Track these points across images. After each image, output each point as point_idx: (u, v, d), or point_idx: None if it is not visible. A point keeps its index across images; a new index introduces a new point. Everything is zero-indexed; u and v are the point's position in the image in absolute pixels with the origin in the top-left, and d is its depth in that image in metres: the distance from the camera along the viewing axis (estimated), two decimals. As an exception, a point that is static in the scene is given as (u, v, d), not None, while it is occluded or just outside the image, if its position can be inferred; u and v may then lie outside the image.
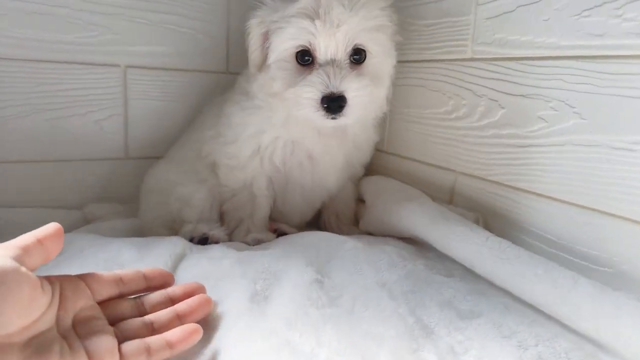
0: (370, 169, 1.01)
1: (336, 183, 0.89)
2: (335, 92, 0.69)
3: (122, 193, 0.98)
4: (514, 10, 0.70)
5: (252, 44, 0.77)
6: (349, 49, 0.72)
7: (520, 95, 0.70)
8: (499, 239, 0.67)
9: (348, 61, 0.73)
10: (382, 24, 0.74)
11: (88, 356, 0.39)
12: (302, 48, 0.73)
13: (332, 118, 0.71)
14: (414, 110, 0.92)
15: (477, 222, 0.76)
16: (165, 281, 0.53)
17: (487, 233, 0.68)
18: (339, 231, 0.93)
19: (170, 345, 0.44)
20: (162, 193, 0.87)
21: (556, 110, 0.65)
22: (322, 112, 0.71)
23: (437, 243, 0.72)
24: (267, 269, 0.64)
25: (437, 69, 0.85)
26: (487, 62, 0.75)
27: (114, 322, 0.45)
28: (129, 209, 0.94)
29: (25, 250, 0.39)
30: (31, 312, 0.37)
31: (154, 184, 0.90)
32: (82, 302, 0.43)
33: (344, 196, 0.95)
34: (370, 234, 0.88)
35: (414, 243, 0.79)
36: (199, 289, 0.53)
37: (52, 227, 0.43)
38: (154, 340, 0.44)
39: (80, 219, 0.91)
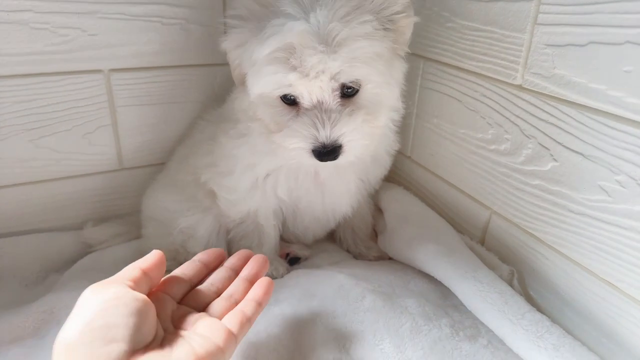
0: (390, 175, 0.91)
1: (351, 207, 0.81)
2: (326, 142, 0.60)
3: (122, 206, 0.91)
4: (584, 46, 0.55)
5: (231, 63, 0.68)
6: (337, 90, 0.60)
7: (579, 153, 0.58)
8: (537, 316, 0.61)
9: (338, 100, 0.60)
10: (373, 50, 0.58)
11: (202, 340, 0.43)
12: (283, 93, 0.61)
13: (327, 161, 0.62)
14: (446, 125, 0.79)
15: (511, 276, 0.68)
16: (220, 258, 0.57)
17: (524, 306, 0.62)
18: (355, 247, 0.87)
19: (258, 302, 0.50)
20: (163, 223, 0.80)
21: (624, 187, 0.54)
22: (314, 160, 0.62)
23: (465, 302, 0.66)
24: (280, 342, 0.60)
25: (477, 86, 0.71)
26: (541, 98, 0.62)
27: (201, 309, 0.49)
28: (130, 228, 0.88)
29: (136, 282, 0.43)
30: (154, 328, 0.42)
31: (153, 213, 0.82)
32: (169, 307, 0.47)
33: (359, 212, 0.87)
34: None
35: (437, 283, 0.73)
36: (248, 253, 0.58)
37: (153, 256, 0.48)
38: (243, 305, 0.50)
39: (81, 244, 0.85)
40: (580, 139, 0.57)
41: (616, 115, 0.53)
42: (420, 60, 0.82)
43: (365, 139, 0.63)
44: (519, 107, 0.65)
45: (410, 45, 0.83)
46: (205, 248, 0.78)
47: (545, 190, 0.63)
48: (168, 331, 0.44)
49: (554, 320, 0.61)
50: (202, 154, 0.79)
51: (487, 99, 0.70)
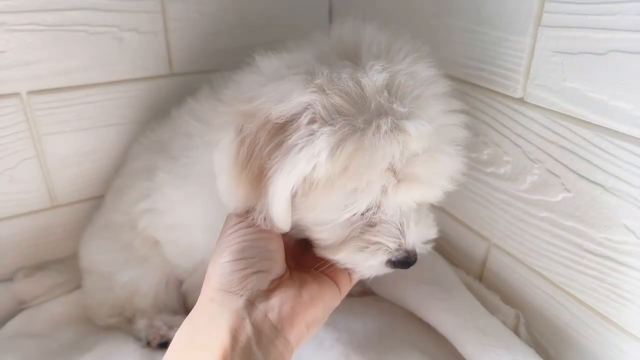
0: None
1: None
2: (410, 250, 0.46)
3: (58, 249, 0.78)
4: (604, 54, 0.44)
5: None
6: None
7: (599, 185, 0.48)
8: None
9: None
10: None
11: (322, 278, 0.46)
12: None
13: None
14: (430, 139, 0.68)
15: (517, 322, 0.59)
16: None
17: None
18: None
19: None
20: (103, 277, 0.68)
21: (657, 230, 0.44)
22: (386, 269, 0.47)
23: (467, 356, 0.56)
24: None
25: (468, 97, 0.60)
26: (548, 115, 0.51)
27: None
28: (69, 275, 0.75)
29: None
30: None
31: (90, 264, 0.70)
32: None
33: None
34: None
35: (431, 328, 0.63)
36: None
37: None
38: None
39: (12, 299, 0.72)
40: (600, 168, 0.47)
41: (647, 142, 0.43)
42: (399, 65, 0.70)
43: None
44: (521, 124, 0.54)
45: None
46: (154, 303, 0.68)
47: (556, 225, 0.53)
48: (291, 266, 0.46)
49: (570, 376, 0.52)
50: (137, 195, 0.65)
51: (481, 113, 0.59)
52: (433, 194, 0.46)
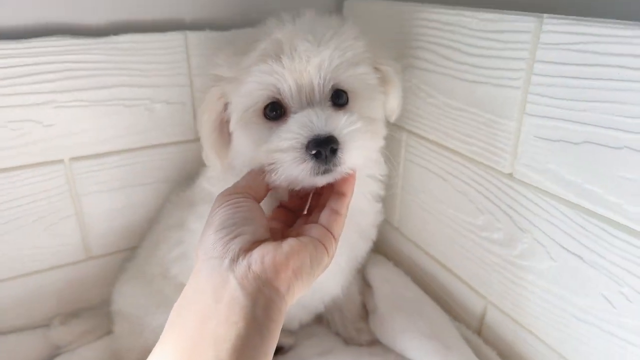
0: (378, 245, 0.86)
1: (340, 287, 0.74)
2: (322, 133, 0.50)
3: (91, 296, 0.85)
4: (578, 144, 0.50)
5: (204, 122, 0.61)
6: (327, 89, 0.55)
7: (578, 257, 0.53)
8: None
9: (330, 103, 0.56)
10: (360, 57, 0.57)
11: (304, 237, 0.47)
12: (270, 100, 0.55)
13: (324, 172, 0.51)
14: (433, 203, 0.74)
15: (512, 376, 0.63)
16: None
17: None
18: (345, 330, 0.81)
19: (341, 193, 0.53)
20: (134, 321, 0.74)
21: (630, 302, 0.49)
22: (310, 165, 0.51)
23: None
24: None
25: (463, 167, 0.66)
26: (533, 191, 0.57)
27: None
28: (100, 321, 0.81)
29: (252, 193, 0.51)
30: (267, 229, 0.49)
31: (122, 308, 0.77)
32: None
33: (348, 290, 0.81)
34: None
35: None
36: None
37: (255, 174, 0.53)
38: (329, 203, 0.52)
39: (48, 344, 0.78)
40: (579, 242, 0.52)
41: (616, 222, 0.48)
42: (403, 133, 0.77)
43: (366, 145, 0.54)
44: (511, 197, 0.60)
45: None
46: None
47: (544, 290, 0.58)
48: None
49: None
50: (170, 245, 0.72)
51: (475, 184, 0.65)
52: (317, 72, 0.54)
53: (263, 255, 0.43)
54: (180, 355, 0.37)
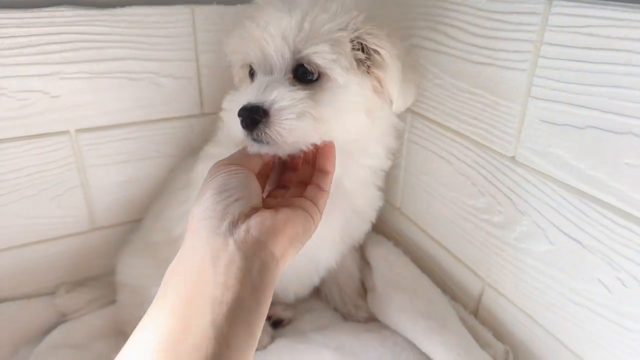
0: (379, 225, 0.86)
1: (334, 259, 0.75)
2: (251, 102, 0.51)
3: (96, 266, 0.86)
4: (582, 129, 0.50)
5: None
6: (287, 61, 0.54)
7: (577, 241, 0.53)
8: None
9: (290, 76, 0.55)
10: (339, 33, 0.54)
11: (293, 207, 0.48)
12: (246, 63, 0.59)
13: (255, 140, 0.52)
14: (435, 185, 0.74)
15: (505, 357, 0.64)
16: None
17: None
18: (343, 306, 0.83)
19: (324, 170, 0.53)
20: (137, 292, 0.75)
21: (626, 287, 0.49)
22: (241, 129, 0.53)
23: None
24: None
25: (467, 150, 0.66)
26: (535, 175, 0.57)
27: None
28: (105, 291, 0.83)
29: (246, 164, 0.50)
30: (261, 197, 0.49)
31: (126, 279, 0.78)
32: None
33: (345, 266, 0.82)
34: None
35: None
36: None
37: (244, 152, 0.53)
38: (315, 178, 0.53)
39: (53, 311, 0.80)
40: (578, 226, 0.53)
41: (617, 209, 0.48)
42: (408, 113, 0.77)
43: (297, 126, 0.52)
44: (513, 180, 0.60)
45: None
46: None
47: (541, 272, 0.58)
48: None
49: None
50: (176, 204, 0.73)
51: (479, 166, 0.65)
52: (274, 40, 0.53)
53: (263, 221, 0.43)
54: (177, 318, 0.37)
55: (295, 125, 0.51)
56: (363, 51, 0.56)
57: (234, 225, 0.42)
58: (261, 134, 0.51)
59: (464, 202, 0.69)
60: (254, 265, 0.41)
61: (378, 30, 0.56)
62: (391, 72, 0.56)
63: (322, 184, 0.53)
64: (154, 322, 0.38)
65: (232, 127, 0.54)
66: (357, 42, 0.55)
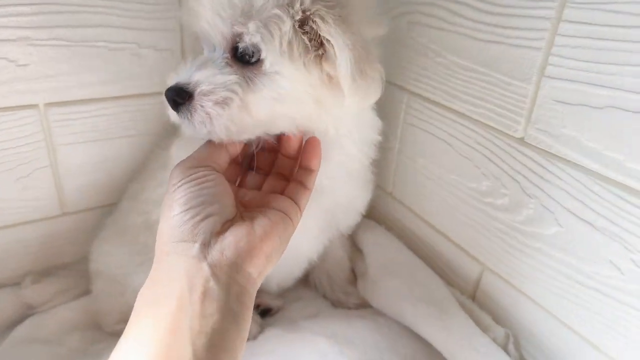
0: (369, 211, 0.84)
1: (314, 250, 0.71)
2: (181, 81, 0.48)
3: (66, 254, 0.80)
4: (601, 109, 0.49)
5: None
6: (226, 35, 0.48)
7: (588, 223, 0.53)
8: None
9: (228, 55, 0.49)
10: (268, 12, 0.46)
11: (272, 212, 0.45)
12: (195, 36, 0.53)
13: (184, 120, 0.48)
14: (433, 167, 0.73)
15: (506, 340, 0.64)
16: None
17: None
18: (332, 293, 0.80)
19: (309, 168, 0.51)
20: (114, 281, 0.70)
21: (639, 267, 0.49)
22: (169, 110, 0.50)
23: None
24: None
25: (470, 131, 0.65)
26: (546, 156, 0.56)
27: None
28: (76, 280, 0.77)
29: (217, 164, 0.47)
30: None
31: (102, 267, 0.72)
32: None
33: (334, 254, 0.79)
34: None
35: (425, 341, 0.67)
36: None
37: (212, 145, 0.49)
38: (297, 175, 0.51)
39: (20, 303, 0.73)
40: (591, 208, 0.52)
41: (635, 190, 0.48)
42: (404, 94, 0.74)
43: (223, 115, 0.47)
44: (520, 162, 0.59)
45: (393, 75, 0.76)
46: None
47: (548, 256, 0.58)
48: (240, 210, 0.46)
49: (554, 393, 0.57)
50: (155, 185, 0.68)
51: (482, 148, 0.63)
52: (207, 15, 0.48)
53: (237, 241, 0.41)
54: (156, 351, 0.35)
55: (216, 112, 0.47)
56: (317, 37, 0.48)
57: (206, 246, 0.40)
58: (185, 117, 0.48)
59: (464, 185, 0.67)
60: (232, 290, 0.39)
61: (328, 11, 0.46)
62: (339, 65, 0.46)
63: (306, 181, 0.51)
64: (130, 356, 0.35)
65: (167, 108, 0.50)
66: (308, 26, 0.47)
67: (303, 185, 0.50)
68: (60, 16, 0.64)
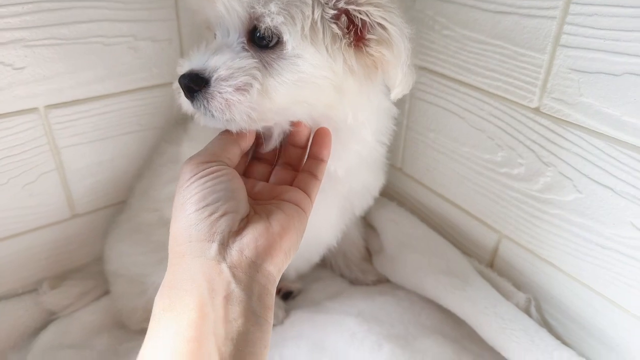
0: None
1: (334, 236, 0.71)
2: (195, 68, 0.46)
3: (80, 256, 0.78)
4: (619, 76, 0.50)
5: None
6: (243, 18, 0.46)
7: (609, 188, 0.54)
8: (566, 354, 0.59)
9: (244, 39, 0.47)
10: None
11: (287, 205, 0.44)
12: (205, 21, 0.52)
13: (199, 109, 0.47)
14: (444, 140, 0.73)
15: (528, 304, 0.66)
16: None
17: (552, 343, 0.60)
18: (350, 272, 0.82)
19: (319, 157, 0.50)
20: (134, 281, 0.69)
21: (661, 228, 0.51)
22: (183, 98, 0.48)
23: (488, 339, 0.64)
24: None
25: (483, 104, 0.65)
26: (562, 125, 0.56)
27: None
28: (95, 281, 0.76)
29: (230, 159, 0.46)
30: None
31: (119, 268, 0.71)
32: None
33: (349, 234, 0.79)
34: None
35: (448, 311, 0.69)
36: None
37: (227, 137, 0.48)
38: (308, 165, 0.50)
39: (40, 310, 0.72)
40: (610, 173, 0.53)
41: (655, 153, 0.49)
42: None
43: (243, 101, 0.45)
44: (536, 131, 0.60)
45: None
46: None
47: (567, 221, 0.59)
48: (250, 203, 0.45)
49: (577, 351, 0.60)
50: (163, 182, 0.67)
51: (496, 119, 0.64)
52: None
53: (256, 239, 0.40)
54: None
55: (237, 99, 0.45)
56: (352, 24, 0.47)
57: (224, 247, 0.39)
58: (200, 106, 0.46)
59: (478, 157, 0.68)
60: (254, 291, 0.38)
61: (389, 1, 0.46)
62: (398, 54, 0.47)
63: (316, 171, 0.50)
64: None
65: (180, 97, 0.48)
66: (341, 13, 0.46)
67: (313, 175, 0.49)
68: (53, 14, 0.61)
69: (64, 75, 0.65)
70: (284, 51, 0.46)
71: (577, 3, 0.51)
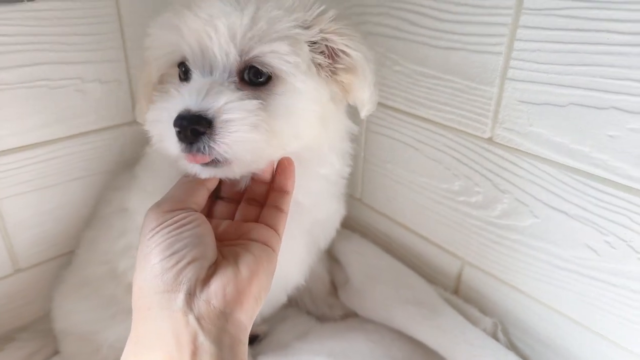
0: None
1: (302, 274, 0.69)
2: (194, 108, 0.43)
3: (25, 314, 0.73)
4: (564, 107, 0.53)
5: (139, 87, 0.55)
6: (234, 61, 0.46)
7: (562, 212, 0.57)
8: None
9: (236, 78, 0.46)
10: (289, 32, 0.46)
11: (254, 245, 0.43)
12: (172, 58, 0.49)
13: (200, 151, 0.43)
14: (401, 172, 0.74)
15: (495, 329, 0.67)
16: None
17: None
18: (316, 309, 0.80)
19: (284, 189, 0.49)
20: (85, 340, 0.65)
21: (614, 248, 0.53)
22: (182, 146, 0.43)
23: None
24: None
25: (438, 135, 0.67)
26: (515, 154, 0.59)
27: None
28: (43, 341, 0.70)
29: (196, 204, 0.45)
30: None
31: (68, 327, 0.66)
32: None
33: (314, 270, 0.78)
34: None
35: (417, 341, 0.69)
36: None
37: (190, 181, 0.46)
38: (271, 199, 0.48)
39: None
40: (563, 198, 0.56)
41: (602, 178, 0.52)
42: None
43: (247, 139, 0.44)
44: (490, 161, 0.62)
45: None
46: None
47: (527, 245, 0.61)
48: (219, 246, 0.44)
49: (546, 372, 0.61)
50: (114, 236, 0.64)
51: (452, 150, 0.66)
52: (225, 37, 0.45)
53: (224, 287, 0.38)
54: None
55: (249, 138, 0.44)
56: (330, 54, 0.49)
57: (191, 296, 0.37)
58: (204, 147, 0.43)
59: (436, 187, 0.70)
60: (224, 343, 0.36)
61: (352, 30, 0.49)
62: (363, 77, 0.50)
63: (282, 204, 0.48)
64: None
65: (165, 142, 0.45)
66: (322, 44, 0.48)
67: (279, 209, 0.48)
68: (-7, 57, 0.57)
69: (7, 121, 0.61)
70: (283, 88, 0.47)
71: (520, 40, 0.54)
